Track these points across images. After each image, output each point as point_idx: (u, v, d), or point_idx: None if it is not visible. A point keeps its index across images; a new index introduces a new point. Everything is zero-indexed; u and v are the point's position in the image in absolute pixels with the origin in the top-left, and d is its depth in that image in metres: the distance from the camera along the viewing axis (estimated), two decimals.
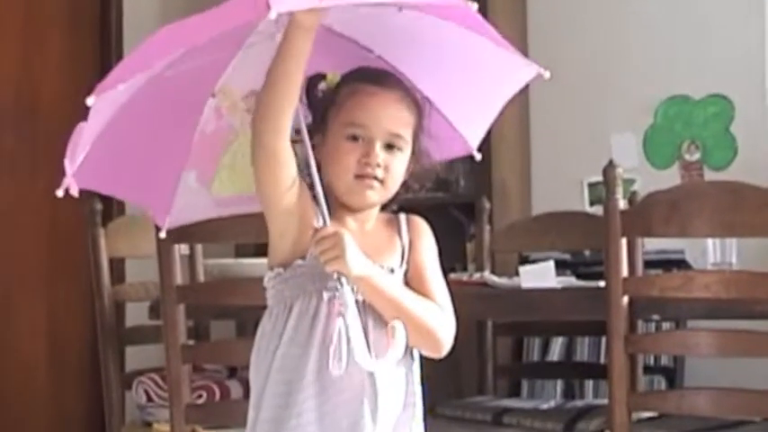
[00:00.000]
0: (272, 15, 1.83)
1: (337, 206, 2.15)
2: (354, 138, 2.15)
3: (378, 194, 2.17)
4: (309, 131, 2.16)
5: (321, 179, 2.13)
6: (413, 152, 2.21)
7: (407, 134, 2.19)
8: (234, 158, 2.29)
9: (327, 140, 2.17)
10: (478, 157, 2.40)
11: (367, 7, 2.12)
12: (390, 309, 2.12)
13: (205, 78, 2.25)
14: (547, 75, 2.24)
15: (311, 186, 2.14)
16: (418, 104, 2.22)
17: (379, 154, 2.14)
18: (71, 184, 2.10)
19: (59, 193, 2.12)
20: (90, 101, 1.98)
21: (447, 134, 2.32)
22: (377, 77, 2.17)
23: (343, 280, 2.08)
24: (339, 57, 2.24)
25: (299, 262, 2.15)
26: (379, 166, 2.15)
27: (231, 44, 2.21)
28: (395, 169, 2.17)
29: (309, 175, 2.13)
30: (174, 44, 2.03)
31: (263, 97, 2.06)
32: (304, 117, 2.17)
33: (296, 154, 2.15)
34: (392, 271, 2.18)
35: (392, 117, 2.16)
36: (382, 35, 2.23)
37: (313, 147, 2.15)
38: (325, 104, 2.18)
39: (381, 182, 2.16)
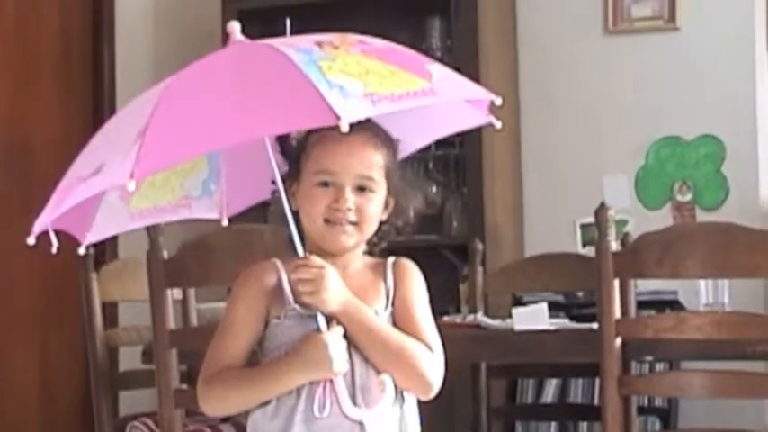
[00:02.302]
0: (344, 128, 1.88)
1: (317, 252, 2.16)
2: (325, 184, 2.16)
3: (352, 238, 2.18)
4: (286, 180, 2.19)
5: (301, 226, 2.17)
6: (388, 190, 2.22)
7: (378, 175, 2.19)
8: (155, 175, 2.28)
9: (301, 188, 2.18)
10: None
11: None
12: (375, 347, 2.13)
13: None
14: (498, 124, 2.27)
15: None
16: (388, 142, 2.23)
17: (349, 198, 2.15)
18: (48, 229, 2.11)
19: (30, 240, 2.13)
20: (131, 186, 1.95)
21: None
22: None
23: (320, 319, 2.10)
24: None
25: (275, 321, 2.17)
26: (350, 210, 2.15)
27: None
28: (368, 211, 2.18)
29: (285, 220, 2.15)
30: (212, 141, 2.05)
31: (226, 403, 2.16)
32: (280, 166, 2.20)
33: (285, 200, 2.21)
34: (375, 314, 2.17)
35: (360, 161, 2.17)
36: None
37: (292, 195, 2.18)
38: (298, 153, 2.20)
39: (355, 224, 2.17)
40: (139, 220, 2.35)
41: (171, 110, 2.04)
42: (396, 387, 2.14)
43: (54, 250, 2.12)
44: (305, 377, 2.10)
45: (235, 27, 2.20)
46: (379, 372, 2.13)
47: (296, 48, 2.04)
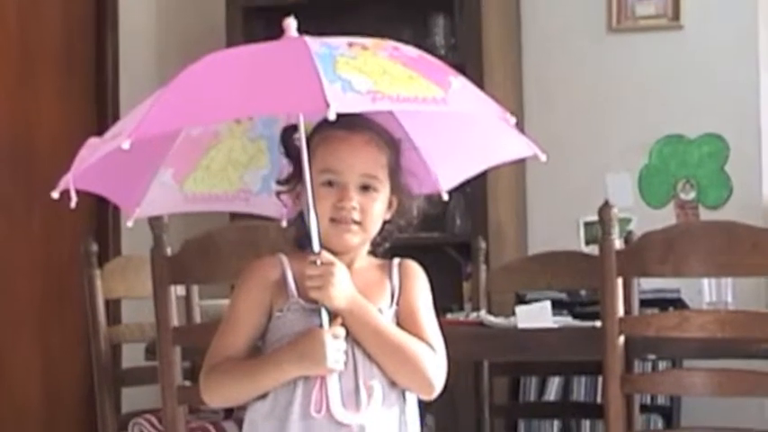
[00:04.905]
0: (332, 116, 1.89)
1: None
2: (330, 183, 2.18)
3: (357, 236, 2.19)
4: (292, 180, 2.20)
5: (305, 225, 2.16)
6: (392, 190, 2.23)
7: (382, 174, 2.21)
8: (211, 161, 2.32)
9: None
10: (446, 197, 2.39)
11: None
12: (378, 346, 2.14)
13: None
14: (543, 158, 2.26)
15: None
16: (391, 143, 2.24)
17: (354, 197, 2.17)
18: (69, 187, 2.11)
19: (54, 194, 2.13)
20: (125, 145, 1.97)
21: (421, 173, 2.33)
22: (346, 122, 2.12)
23: (323, 315, 2.10)
24: None
25: (278, 314, 2.18)
26: (354, 209, 2.17)
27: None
28: (372, 210, 2.19)
29: (305, 217, 2.15)
30: (210, 113, 2.06)
31: (225, 395, 2.20)
32: (284, 167, 2.23)
33: (281, 202, 2.27)
34: (380, 311, 2.18)
35: (364, 160, 2.19)
36: None
37: (296, 196, 2.19)
38: (301, 153, 2.19)
39: (359, 224, 2.18)
40: (193, 203, 2.36)
41: (185, 82, 2.07)
42: (397, 387, 2.16)
43: (73, 205, 2.12)
44: (298, 370, 2.11)
45: (291, 24, 2.20)
46: (383, 373, 2.14)
47: (326, 44, 2.06)
